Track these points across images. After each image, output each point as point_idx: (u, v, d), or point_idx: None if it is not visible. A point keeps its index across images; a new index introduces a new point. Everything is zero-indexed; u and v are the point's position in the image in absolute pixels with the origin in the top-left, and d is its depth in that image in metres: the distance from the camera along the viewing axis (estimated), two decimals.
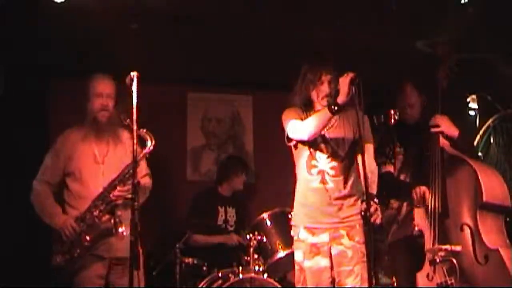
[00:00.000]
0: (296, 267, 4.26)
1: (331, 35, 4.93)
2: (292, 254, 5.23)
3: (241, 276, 5.21)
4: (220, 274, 5.45)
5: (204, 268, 5.65)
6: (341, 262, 4.12)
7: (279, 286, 5.22)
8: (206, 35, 5.58)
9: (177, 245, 5.46)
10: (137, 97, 3.90)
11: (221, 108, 7.17)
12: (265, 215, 5.53)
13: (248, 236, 5.39)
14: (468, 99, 6.38)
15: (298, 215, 4.28)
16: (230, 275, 5.32)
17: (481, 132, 6.32)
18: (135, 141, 3.85)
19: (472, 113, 6.42)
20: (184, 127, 6.82)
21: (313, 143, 4.20)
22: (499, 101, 6.30)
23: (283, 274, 5.82)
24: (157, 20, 5.22)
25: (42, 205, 4.52)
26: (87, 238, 4.36)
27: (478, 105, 6.40)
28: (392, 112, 5.52)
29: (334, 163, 4.18)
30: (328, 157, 4.19)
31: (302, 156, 4.26)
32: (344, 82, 3.88)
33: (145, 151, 4.47)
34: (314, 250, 4.15)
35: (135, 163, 3.89)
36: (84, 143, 4.55)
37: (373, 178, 4.19)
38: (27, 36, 5.19)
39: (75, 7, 4.75)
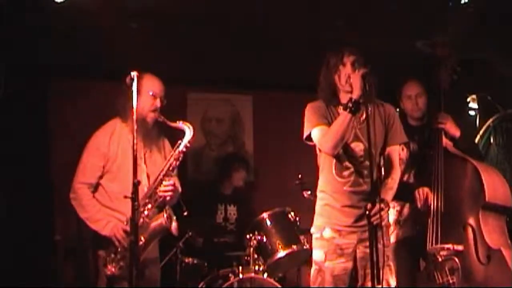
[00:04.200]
0: (314, 267, 4.09)
1: (332, 36, 4.92)
2: (292, 253, 5.30)
3: (241, 276, 5.21)
4: (220, 274, 5.45)
5: (205, 268, 5.66)
6: (367, 265, 3.90)
7: (279, 286, 5.21)
8: (206, 35, 5.57)
9: (178, 245, 5.47)
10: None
11: (221, 108, 7.17)
12: (265, 215, 5.51)
13: (248, 236, 5.40)
14: (468, 99, 6.38)
15: (324, 216, 4.09)
16: (230, 274, 5.32)
17: (481, 132, 6.32)
18: (135, 141, 3.83)
19: (472, 113, 6.42)
20: None
21: (345, 143, 3.99)
22: (499, 101, 6.30)
23: (283, 274, 5.82)
24: (157, 20, 5.21)
25: (85, 210, 4.36)
26: (142, 238, 4.22)
27: (478, 105, 6.40)
28: None
29: (367, 163, 3.92)
30: (361, 156, 4.02)
31: (329, 157, 4.06)
32: (356, 77, 3.82)
33: (185, 140, 4.42)
34: (338, 251, 4.00)
35: (135, 161, 3.83)
36: (126, 142, 4.41)
37: (392, 185, 4.06)
38: (27, 36, 5.17)
39: (75, 7, 4.74)
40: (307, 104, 4.16)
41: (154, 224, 4.36)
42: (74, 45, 5.44)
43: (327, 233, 4.05)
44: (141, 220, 4.24)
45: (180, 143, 4.43)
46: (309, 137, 4.10)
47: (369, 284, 3.92)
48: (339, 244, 4.01)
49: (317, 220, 4.15)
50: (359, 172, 4.01)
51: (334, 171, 4.05)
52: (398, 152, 4.23)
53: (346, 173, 4.02)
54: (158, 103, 4.45)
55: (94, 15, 4.83)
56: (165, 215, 4.34)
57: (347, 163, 4.02)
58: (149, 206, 4.34)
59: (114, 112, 4.56)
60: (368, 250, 3.87)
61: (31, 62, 5.68)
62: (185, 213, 4.70)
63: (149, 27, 5.32)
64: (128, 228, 4.20)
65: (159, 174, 4.39)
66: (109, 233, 4.27)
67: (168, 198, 4.41)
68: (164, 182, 4.37)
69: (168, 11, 5.08)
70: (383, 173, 4.10)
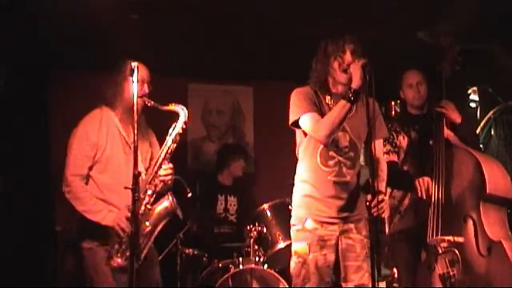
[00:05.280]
0: (298, 259, 4.00)
1: (332, 28, 4.90)
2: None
3: (241, 266, 5.22)
4: (220, 265, 5.46)
5: (205, 259, 5.67)
6: (349, 257, 3.98)
7: (279, 277, 5.22)
8: (207, 26, 5.56)
9: (178, 236, 5.48)
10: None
11: (222, 99, 7.18)
12: (265, 206, 5.53)
13: (248, 227, 5.40)
14: (469, 91, 6.38)
15: (305, 207, 4.03)
16: (230, 265, 5.33)
17: (482, 124, 6.31)
18: (135, 132, 3.82)
19: (473, 105, 6.41)
20: None
21: None
22: (500, 93, 6.29)
23: (283, 265, 5.82)
24: (157, 11, 5.20)
25: (82, 202, 4.22)
26: (147, 223, 4.16)
27: (479, 97, 6.40)
28: (393, 103, 5.52)
29: (351, 154, 3.99)
30: (346, 147, 4.00)
31: (315, 145, 4.02)
32: (356, 67, 3.79)
33: (180, 121, 4.31)
34: (321, 243, 3.95)
35: (135, 152, 3.81)
36: (115, 130, 4.35)
37: (383, 177, 4.07)
38: (27, 29, 5.17)
39: None
40: (294, 89, 4.12)
41: (159, 208, 4.29)
42: (74, 37, 5.43)
43: (309, 224, 4.00)
44: (143, 207, 4.18)
45: (175, 125, 4.34)
46: (295, 123, 4.05)
47: (351, 276, 3.98)
48: (322, 235, 3.97)
49: (298, 212, 4.09)
50: (343, 163, 4.00)
51: (319, 160, 4.01)
52: (381, 146, 4.22)
53: (331, 162, 4.00)
54: (146, 88, 4.34)
55: (95, 7, 4.82)
56: (170, 198, 4.30)
57: (332, 153, 4.00)
58: (150, 192, 4.26)
59: (101, 100, 4.44)
60: (350, 242, 3.99)
61: (31, 54, 5.68)
62: (189, 195, 4.64)
63: (150, 18, 5.31)
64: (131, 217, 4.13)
65: (157, 159, 4.32)
66: (112, 223, 4.15)
67: (169, 182, 4.35)
68: (163, 166, 4.30)
69: (169, 3, 5.07)
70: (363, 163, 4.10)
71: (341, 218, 3.99)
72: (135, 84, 3.91)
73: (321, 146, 3.99)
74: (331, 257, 3.99)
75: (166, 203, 4.31)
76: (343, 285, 4.05)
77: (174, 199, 4.33)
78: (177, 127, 4.33)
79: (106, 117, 4.37)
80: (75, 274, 5.71)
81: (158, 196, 4.33)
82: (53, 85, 6.31)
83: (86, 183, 4.30)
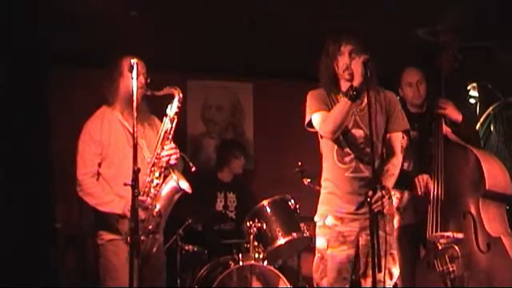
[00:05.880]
0: (317, 255, 4.09)
1: (332, 24, 4.91)
2: (292, 241, 5.32)
3: (241, 263, 5.23)
4: (220, 261, 5.46)
5: (205, 255, 5.67)
6: (369, 253, 3.88)
7: (279, 273, 5.22)
8: (207, 23, 5.55)
9: (178, 232, 5.48)
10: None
11: (221, 96, 7.17)
12: (265, 202, 5.52)
13: (248, 224, 5.40)
14: (469, 87, 6.36)
15: (326, 204, 4.11)
16: (230, 262, 5.33)
17: (481, 120, 6.31)
18: (135, 129, 3.84)
19: (472, 101, 6.41)
20: (184, 115, 6.80)
21: (345, 129, 4.01)
22: (499, 89, 6.28)
23: (283, 262, 5.83)
24: (157, 8, 5.20)
25: (93, 196, 4.33)
26: (157, 206, 4.27)
27: (478, 93, 6.38)
28: None
29: (368, 149, 3.92)
30: (361, 143, 4.01)
31: (331, 143, 4.06)
32: (357, 64, 3.81)
33: (175, 102, 4.42)
34: (341, 239, 4.00)
35: (135, 148, 3.83)
36: (118, 124, 4.43)
37: (393, 171, 4.05)
38: (27, 23, 5.17)
39: None
40: (308, 92, 4.16)
41: (165, 189, 4.36)
42: (75, 33, 5.43)
43: (330, 220, 4.05)
44: (153, 190, 4.30)
45: (171, 106, 4.42)
46: (310, 124, 4.10)
47: (371, 272, 3.90)
48: (342, 231, 4.01)
49: (320, 208, 4.15)
50: (360, 159, 4.01)
51: (335, 158, 4.05)
52: (400, 139, 4.22)
53: (347, 159, 4.02)
54: (142, 79, 4.38)
55: (94, 3, 4.82)
56: (174, 177, 4.35)
57: (347, 150, 4.02)
58: (157, 174, 4.35)
59: (101, 99, 4.53)
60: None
61: (31, 54, 5.68)
62: (193, 169, 4.65)
63: (150, 15, 5.30)
64: (142, 199, 4.19)
65: (157, 140, 4.39)
66: (123, 211, 4.25)
67: (173, 161, 4.40)
68: (165, 147, 4.38)
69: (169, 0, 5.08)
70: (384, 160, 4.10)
71: (362, 213, 4.00)
72: (135, 80, 3.95)
73: (338, 144, 4.04)
74: (351, 252, 4.02)
75: (172, 182, 4.37)
76: (362, 281, 4.08)
77: (180, 176, 4.41)
78: (173, 107, 4.42)
79: (108, 114, 4.46)
80: (75, 270, 5.73)
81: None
82: (53, 83, 6.30)
83: (97, 180, 4.40)
